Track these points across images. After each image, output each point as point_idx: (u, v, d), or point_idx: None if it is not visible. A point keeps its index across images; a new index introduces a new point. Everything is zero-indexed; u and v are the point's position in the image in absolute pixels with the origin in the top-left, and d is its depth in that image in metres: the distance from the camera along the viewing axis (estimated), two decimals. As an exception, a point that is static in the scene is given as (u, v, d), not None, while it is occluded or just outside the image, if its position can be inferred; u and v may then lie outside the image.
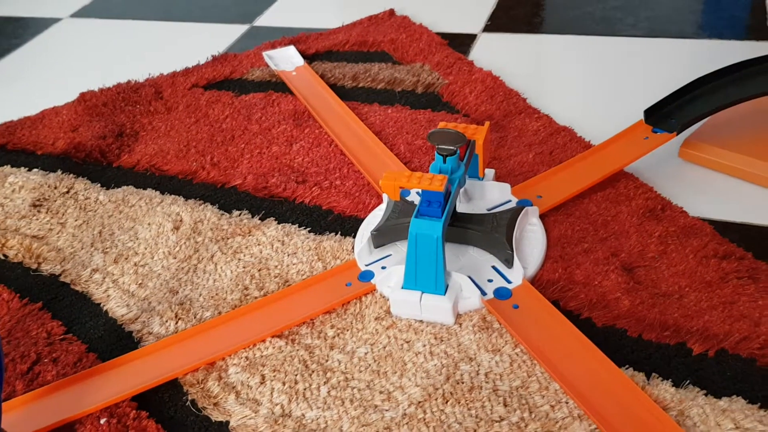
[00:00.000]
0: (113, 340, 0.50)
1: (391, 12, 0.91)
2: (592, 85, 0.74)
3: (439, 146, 0.48)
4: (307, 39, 0.87)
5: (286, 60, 0.82)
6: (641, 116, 0.62)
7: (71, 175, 0.67)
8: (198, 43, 0.93)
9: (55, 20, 1.06)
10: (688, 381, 0.42)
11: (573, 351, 0.44)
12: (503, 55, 0.82)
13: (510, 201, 0.56)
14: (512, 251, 0.50)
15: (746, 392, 0.41)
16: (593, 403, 0.41)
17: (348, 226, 0.58)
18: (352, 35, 0.86)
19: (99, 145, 0.70)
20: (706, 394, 0.41)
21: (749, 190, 0.57)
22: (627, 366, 0.44)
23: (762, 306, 0.46)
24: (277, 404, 0.44)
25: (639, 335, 0.45)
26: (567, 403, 0.42)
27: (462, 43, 0.85)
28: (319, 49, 0.85)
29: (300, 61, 0.82)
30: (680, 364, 0.43)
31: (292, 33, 0.90)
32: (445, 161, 0.49)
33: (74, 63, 0.92)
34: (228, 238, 0.57)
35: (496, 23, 0.89)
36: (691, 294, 0.47)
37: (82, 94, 0.79)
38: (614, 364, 0.43)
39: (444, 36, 0.86)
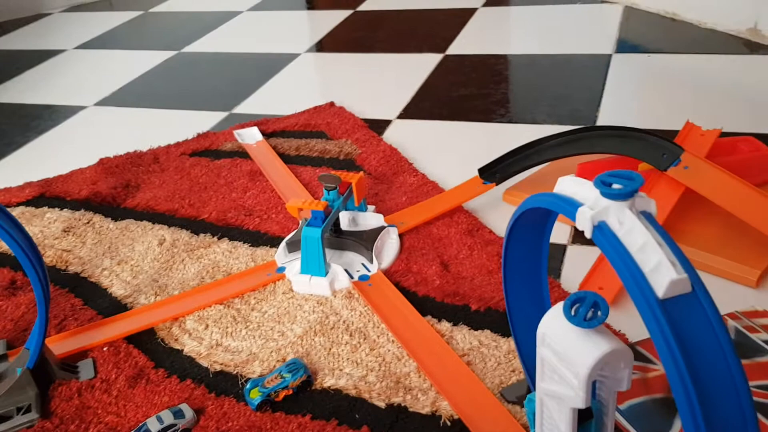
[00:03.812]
0: (114, 309, 0.77)
1: (332, 103, 1.23)
2: (459, 155, 1.03)
3: (325, 184, 0.77)
4: (268, 122, 1.18)
5: (250, 136, 1.13)
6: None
7: (91, 212, 0.96)
8: (189, 124, 1.24)
9: (82, 107, 1.38)
10: (461, 322, 0.68)
11: (399, 309, 0.71)
12: (406, 134, 1.12)
13: (383, 226, 0.84)
14: (371, 253, 0.77)
15: (494, 327, 0.67)
16: (404, 336, 0.67)
17: (276, 242, 0.85)
18: (300, 119, 1.17)
19: (111, 193, 0.99)
20: (470, 329, 0.67)
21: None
22: (436, 317, 0.70)
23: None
24: (213, 339, 0.70)
25: (442, 300, 0.72)
26: (388, 335, 0.68)
27: (380, 125, 1.16)
28: (275, 128, 1.15)
29: (260, 137, 1.12)
30: (462, 315, 0.69)
31: (258, 118, 1.22)
32: (328, 194, 0.77)
33: (96, 139, 1.23)
34: (194, 250, 0.85)
35: (408, 112, 1.20)
36: (479, 277, 0.74)
37: (101, 159, 1.09)
38: (421, 315, 0.69)
39: (367, 121, 1.17)
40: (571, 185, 0.41)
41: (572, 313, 0.41)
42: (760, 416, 0.54)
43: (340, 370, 0.65)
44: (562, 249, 0.80)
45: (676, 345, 0.33)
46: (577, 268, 0.77)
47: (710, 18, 1.41)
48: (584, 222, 0.38)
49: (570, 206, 0.39)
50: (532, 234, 0.51)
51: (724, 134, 0.91)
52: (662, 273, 0.34)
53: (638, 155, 0.82)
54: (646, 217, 0.37)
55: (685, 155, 0.79)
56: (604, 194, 0.38)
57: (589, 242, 0.79)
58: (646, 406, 0.55)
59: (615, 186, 0.38)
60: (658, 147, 0.81)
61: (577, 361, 0.40)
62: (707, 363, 0.33)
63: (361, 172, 0.82)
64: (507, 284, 0.53)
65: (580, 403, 0.41)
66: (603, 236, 0.37)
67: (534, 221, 0.49)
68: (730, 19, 1.37)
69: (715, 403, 0.33)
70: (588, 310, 0.40)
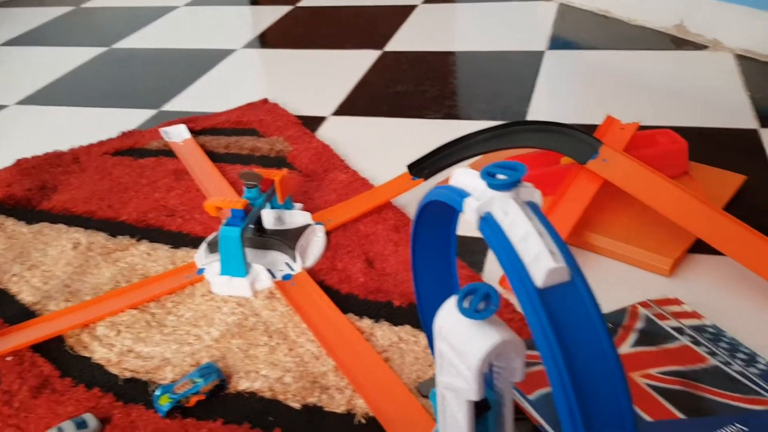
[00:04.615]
0: (22, 316, 0.73)
1: (265, 100, 1.21)
2: (392, 151, 1.02)
3: (245, 181, 0.75)
4: (197, 119, 1.15)
5: (177, 134, 1.10)
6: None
7: (3, 215, 0.91)
8: (115, 123, 1.19)
9: (3, 107, 1.32)
10: (383, 318, 0.68)
11: (321, 307, 0.69)
12: (340, 131, 1.11)
13: (310, 224, 0.82)
14: (294, 252, 0.75)
15: (414, 322, 0.67)
16: (324, 335, 0.66)
17: (198, 243, 0.83)
18: (231, 116, 1.15)
19: (26, 195, 0.94)
20: (390, 325, 0.67)
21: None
22: (357, 314, 0.69)
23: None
24: (125, 345, 0.67)
25: (366, 297, 0.71)
26: (308, 335, 0.66)
27: (315, 122, 1.14)
28: (205, 126, 1.13)
29: (188, 135, 1.09)
30: (384, 311, 0.69)
31: (188, 115, 1.18)
32: (248, 191, 0.75)
33: (16, 139, 1.18)
34: (111, 253, 0.82)
35: (343, 109, 1.19)
36: (403, 273, 0.74)
37: (18, 161, 1.04)
38: (342, 313, 0.68)
39: (302, 118, 1.15)
40: (464, 177, 0.41)
41: (465, 305, 0.41)
42: (666, 402, 0.55)
43: (257, 372, 0.63)
44: (485, 243, 0.80)
45: (552, 332, 0.33)
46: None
47: (640, 15, 1.44)
48: (471, 213, 0.37)
49: (459, 197, 0.39)
50: (438, 226, 0.50)
51: (646, 127, 0.93)
52: (541, 262, 0.34)
53: (560, 149, 0.83)
54: (531, 207, 0.37)
55: (603, 148, 0.80)
56: (490, 185, 0.37)
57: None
58: (550, 396, 0.56)
59: (499, 177, 0.37)
60: (578, 141, 0.82)
61: (469, 353, 0.39)
62: (583, 350, 0.33)
63: (285, 170, 0.80)
64: (417, 279, 0.52)
65: (474, 395, 0.40)
66: (488, 227, 0.36)
67: (438, 214, 0.49)
68: (658, 17, 1.40)
69: (590, 390, 0.32)
70: (479, 302, 0.40)
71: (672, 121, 1.04)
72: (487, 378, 0.44)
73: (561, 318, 0.34)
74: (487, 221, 0.37)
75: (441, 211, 0.49)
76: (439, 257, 0.52)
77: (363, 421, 0.57)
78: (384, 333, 0.66)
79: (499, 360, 0.41)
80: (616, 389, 0.33)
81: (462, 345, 0.40)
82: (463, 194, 0.39)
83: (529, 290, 0.34)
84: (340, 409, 0.58)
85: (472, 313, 0.40)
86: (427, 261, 0.51)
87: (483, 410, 0.43)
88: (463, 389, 0.41)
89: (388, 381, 0.59)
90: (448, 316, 0.42)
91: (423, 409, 0.57)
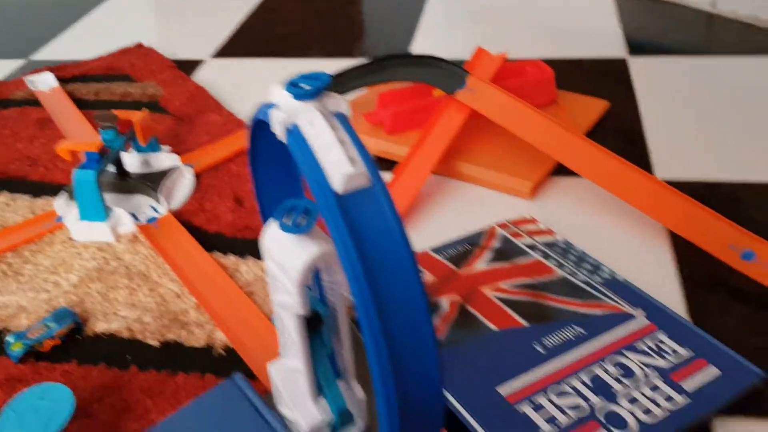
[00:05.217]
0: None
1: (140, 45, 1.15)
2: (269, 92, 1.00)
3: (100, 123, 0.72)
4: (66, 67, 1.08)
5: (43, 83, 1.03)
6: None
7: None
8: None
9: None
10: (248, 254, 0.68)
11: (185, 248, 0.68)
12: (219, 74, 1.07)
13: (178, 166, 0.80)
14: (158, 195, 0.74)
15: (280, 256, 0.67)
16: (186, 274, 0.65)
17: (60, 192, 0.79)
18: (103, 63, 1.09)
19: None
20: (255, 260, 0.67)
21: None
22: (222, 252, 0.69)
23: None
24: (-24, 297, 0.64)
25: (234, 235, 0.71)
26: (170, 275, 0.65)
27: (192, 66, 1.10)
28: (74, 74, 1.06)
29: (55, 83, 1.03)
30: (250, 247, 0.69)
31: (59, 64, 1.11)
32: (105, 134, 0.72)
33: None
34: (-36, 206, 0.77)
35: (223, 51, 1.15)
36: (272, 209, 0.73)
37: None
38: (206, 252, 0.68)
39: (178, 62, 1.10)
40: (276, 91, 0.40)
41: (286, 222, 0.41)
42: (512, 312, 0.58)
43: (115, 314, 0.62)
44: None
45: (349, 236, 0.33)
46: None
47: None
48: (277, 125, 0.37)
49: (268, 110, 0.38)
50: (272, 145, 0.49)
51: (520, 58, 0.96)
52: (340, 168, 0.34)
53: (430, 81, 0.84)
54: (339, 117, 0.37)
55: (470, 79, 0.81)
56: (294, 96, 0.37)
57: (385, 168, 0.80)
58: (410, 314, 0.58)
59: (302, 86, 0.37)
60: (446, 72, 0.83)
61: (290, 267, 0.40)
62: (381, 252, 0.34)
63: (145, 110, 0.77)
64: (261, 203, 0.51)
65: (300, 309, 0.41)
66: (293, 138, 0.36)
67: (269, 131, 0.48)
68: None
69: (387, 291, 0.34)
70: (299, 216, 0.40)
71: (547, 53, 1.07)
72: (319, 293, 0.45)
73: (360, 222, 0.34)
74: (292, 133, 0.37)
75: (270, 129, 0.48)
76: (280, 177, 0.52)
77: (223, 353, 0.57)
78: (249, 268, 0.66)
79: (328, 274, 0.42)
80: (410, 283, 0.34)
81: (285, 261, 0.41)
82: (272, 107, 0.39)
83: (328, 196, 0.34)
84: (200, 344, 0.58)
85: (292, 228, 0.40)
86: (269, 182, 0.51)
87: (317, 325, 0.45)
88: (290, 304, 0.42)
89: (248, 313, 0.60)
90: (272, 234, 0.42)
91: (282, 336, 0.58)
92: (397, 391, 0.34)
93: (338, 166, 0.35)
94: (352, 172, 0.34)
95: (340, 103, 0.38)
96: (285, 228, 0.40)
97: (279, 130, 0.37)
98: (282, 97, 0.38)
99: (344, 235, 0.33)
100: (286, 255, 0.40)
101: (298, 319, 0.42)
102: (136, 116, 0.75)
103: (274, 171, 0.50)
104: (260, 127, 0.45)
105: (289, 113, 0.37)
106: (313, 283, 0.44)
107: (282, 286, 0.42)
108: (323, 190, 0.34)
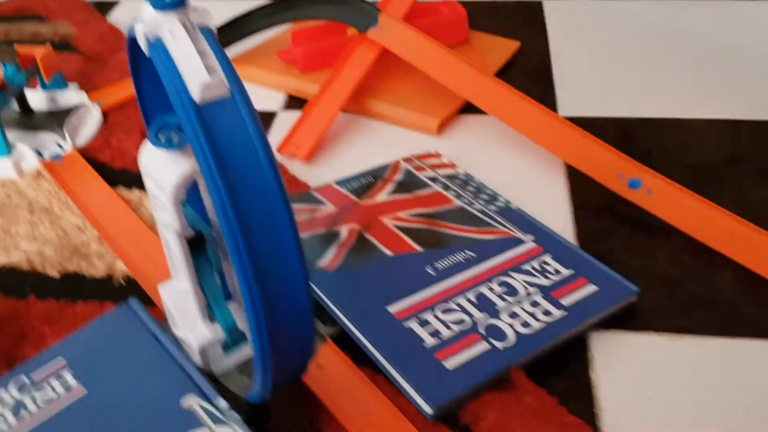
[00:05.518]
0: None
1: (53, -17, 1.11)
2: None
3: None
4: (-28, 5, 1.04)
5: (-54, 21, 0.99)
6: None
7: None
8: None
9: None
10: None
11: (88, 182, 0.68)
12: (133, 14, 1.04)
13: (85, 103, 0.79)
14: (62, 131, 0.73)
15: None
16: (88, 206, 0.65)
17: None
18: (13, 4, 1.05)
19: None
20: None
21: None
22: (127, 186, 0.68)
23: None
24: None
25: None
26: (73, 210, 0.65)
27: (108, 6, 1.07)
28: (-19, 13, 1.02)
29: (-42, 21, 0.98)
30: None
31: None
32: (5, 68, 0.70)
33: None
34: None
35: (143, -8, 1.12)
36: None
37: None
38: (109, 186, 0.67)
39: (93, 3, 1.07)
40: (144, 5, 0.40)
41: (160, 138, 0.41)
42: (408, 239, 0.60)
43: (16, 247, 0.61)
44: (271, 116, 0.81)
45: (207, 144, 0.34)
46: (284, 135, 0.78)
47: None
48: (141, 38, 0.37)
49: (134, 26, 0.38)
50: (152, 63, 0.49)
51: None
52: (198, 78, 0.35)
53: (342, 18, 0.84)
54: (203, 30, 0.38)
55: (382, 16, 0.81)
56: (155, 7, 0.37)
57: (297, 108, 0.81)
58: (308, 241, 0.60)
59: (164, -1, 0.37)
60: (358, 10, 0.83)
61: (165, 183, 0.41)
62: (240, 161, 0.35)
63: (48, 45, 0.75)
64: (147, 125, 0.51)
65: (178, 226, 0.42)
66: (154, 50, 0.37)
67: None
68: None
69: (248, 198, 0.35)
70: (171, 133, 0.41)
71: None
72: (201, 212, 0.46)
73: (218, 130, 0.35)
74: (155, 45, 0.37)
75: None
76: (163, 94, 0.52)
77: (123, 282, 0.58)
78: (154, 202, 0.66)
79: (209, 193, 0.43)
80: (270, 190, 0.35)
81: (159, 178, 0.41)
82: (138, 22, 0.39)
83: (186, 104, 0.35)
84: (100, 274, 0.58)
85: (165, 144, 0.41)
86: (153, 100, 0.50)
87: (200, 243, 0.46)
88: (168, 222, 0.43)
89: (150, 245, 0.60)
90: (149, 152, 0.43)
91: (182, 264, 0.59)
92: (263, 301, 0.35)
93: (196, 74, 0.35)
94: (209, 81, 0.35)
95: (205, 15, 0.38)
96: (158, 144, 0.40)
97: (143, 43, 0.37)
98: (147, 11, 0.38)
99: (202, 142, 0.34)
100: (161, 172, 0.41)
101: (179, 238, 0.43)
102: (39, 52, 0.73)
103: (156, 88, 0.50)
104: (135, 44, 0.45)
105: (152, 26, 0.37)
106: (194, 200, 0.45)
107: (160, 203, 0.43)
108: (181, 98, 0.35)
